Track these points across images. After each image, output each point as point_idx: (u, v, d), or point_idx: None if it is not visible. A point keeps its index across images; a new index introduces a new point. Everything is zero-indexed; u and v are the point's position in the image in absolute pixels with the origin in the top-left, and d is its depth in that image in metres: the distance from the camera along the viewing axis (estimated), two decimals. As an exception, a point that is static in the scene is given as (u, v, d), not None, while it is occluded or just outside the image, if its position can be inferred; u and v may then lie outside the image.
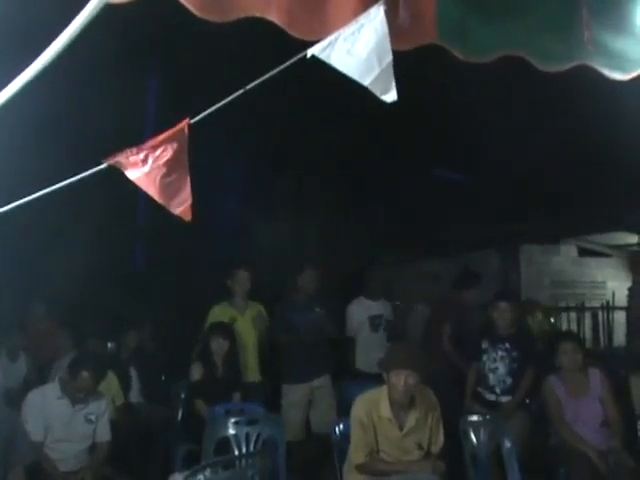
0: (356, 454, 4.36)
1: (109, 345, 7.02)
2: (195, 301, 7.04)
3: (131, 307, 8.29)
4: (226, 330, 6.09)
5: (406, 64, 3.02)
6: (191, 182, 2.77)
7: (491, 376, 5.91)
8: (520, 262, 10.20)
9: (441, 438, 4.45)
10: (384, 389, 4.39)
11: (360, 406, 4.40)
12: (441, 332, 6.70)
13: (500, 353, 5.90)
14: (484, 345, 5.98)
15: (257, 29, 3.15)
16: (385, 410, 4.35)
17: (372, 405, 4.37)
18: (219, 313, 6.52)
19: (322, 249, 10.22)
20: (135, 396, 6.78)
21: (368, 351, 6.97)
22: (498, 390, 5.87)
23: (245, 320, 6.52)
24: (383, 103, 2.85)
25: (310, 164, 9.93)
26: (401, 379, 4.25)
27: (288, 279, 6.75)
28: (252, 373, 6.52)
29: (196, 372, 5.97)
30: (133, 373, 6.84)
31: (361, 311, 7.17)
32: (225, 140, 7.69)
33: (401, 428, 4.37)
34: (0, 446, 4.23)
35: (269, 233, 10.42)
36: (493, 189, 8.52)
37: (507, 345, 5.90)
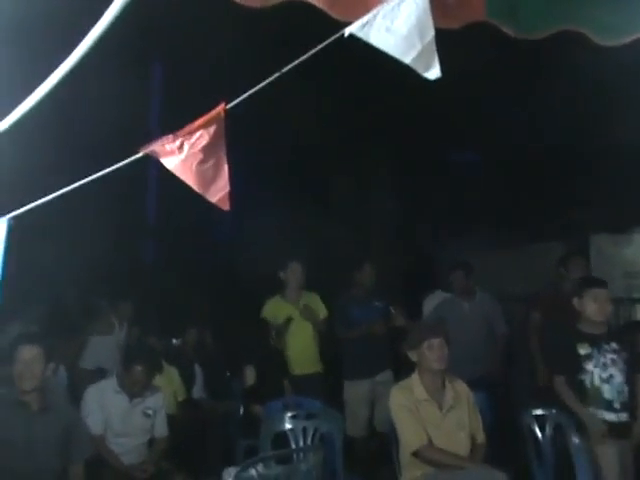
0: (411, 440, 4.30)
1: (174, 341, 7.05)
2: (255, 296, 7.01)
3: (195, 304, 8.34)
4: (280, 329, 6.10)
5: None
6: (229, 170, 2.70)
7: (606, 388, 4.65)
8: (590, 253, 9.85)
9: (480, 424, 4.46)
10: (414, 376, 4.42)
11: (398, 394, 4.40)
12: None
13: (610, 356, 4.69)
14: (584, 350, 4.72)
15: (295, 15, 3.07)
16: (421, 393, 4.36)
17: (407, 392, 4.38)
18: (273, 307, 6.49)
19: (380, 243, 10.10)
20: (198, 392, 6.80)
21: None
22: (617, 405, 4.64)
23: (299, 310, 6.48)
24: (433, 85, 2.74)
25: (364, 154, 9.80)
26: (435, 349, 4.31)
27: (345, 275, 6.68)
28: (312, 364, 6.49)
29: (250, 376, 5.95)
30: (197, 369, 6.86)
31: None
32: (269, 131, 7.64)
33: (440, 408, 4.36)
34: (60, 440, 4.24)
35: (322, 226, 10.32)
36: (554, 173, 8.24)
37: (615, 345, 4.73)
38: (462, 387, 4.52)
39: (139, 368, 4.88)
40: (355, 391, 6.36)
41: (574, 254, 6.63)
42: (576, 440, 4.54)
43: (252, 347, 6.19)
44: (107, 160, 2.60)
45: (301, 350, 6.38)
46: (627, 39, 3.37)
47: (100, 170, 2.57)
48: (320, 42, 2.55)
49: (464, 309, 6.62)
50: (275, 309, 6.45)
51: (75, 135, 6.35)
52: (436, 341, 4.34)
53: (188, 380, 6.65)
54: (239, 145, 2.92)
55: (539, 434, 4.82)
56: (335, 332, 6.53)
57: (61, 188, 2.61)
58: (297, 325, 6.42)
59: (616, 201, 8.60)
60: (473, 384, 5.60)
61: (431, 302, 7.18)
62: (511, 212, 9.44)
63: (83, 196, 2.72)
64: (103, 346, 6.66)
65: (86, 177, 2.58)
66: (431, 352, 4.32)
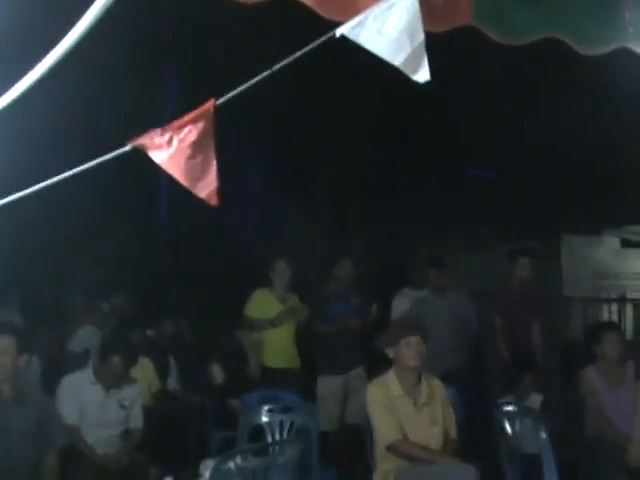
0: (386, 433, 4.36)
1: (148, 332, 7.03)
2: (234, 288, 7.02)
3: (170, 295, 8.31)
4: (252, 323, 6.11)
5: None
6: (218, 165, 2.71)
7: None
8: (561, 253, 10.01)
9: (453, 419, 4.54)
10: (390, 372, 4.48)
11: (374, 390, 4.47)
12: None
13: None
14: None
15: (286, 13, 3.08)
16: (396, 389, 4.42)
17: (384, 388, 4.44)
18: (261, 295, 6.56)
19: (359, 239, 10.13)
20: (172, 383, 6.79)
21: None
22: None
23: (286, 310, 6.56)
24: (420, 88, 2.76)
25: (345, 150, 9.82)
26: (412, 347, 4.35)
27: (323, 270, 6.71)
28: (290, 359, 6.59)
29: (218, 374, 5.95)
30: (171, 361, 6.84)
31: (405, 302, 7.08)
32: (255, 126, 7.62)
33: (415, 404, 4.42)
34: (34, 431, 4.21)
35: (304, 221, 10.35)
36: (530, 178, 8.34)
37: None
38: (437, 383, 4.58)
39: (116, 359, 4.85)
40: (328, 386, 6.39)
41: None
42: (543, 435, 4.64)
43: (220, 343, 6.19)
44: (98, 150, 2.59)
45: (281, 344, 6.47)
46: (607, 48, 3.43)
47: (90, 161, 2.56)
48: (313, 41, 2.56)
49: (437, 307, 6.67)
50: (264, 302, 6.51)
51: (63, 127, 6.30)
52: (413, 339, 4.38)
53: (162, 372, 6.63)
54: (225, 141, 2.92)
55: (509, 430, 4.89)
56: (312, 326, 6.56)
57: (46, 179, 2.59)
58: (283, 322, 6.52)
59: (588, 203, 8.72)
60: (443, 378, 5.81)
61: (401, 300, 7.20)
62: (486, 212, 9.53)
63: (67, 188, 2.70)
64: (94, 334, 6.63)
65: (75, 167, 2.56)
66: (408, 349, 4.36)
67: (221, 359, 6.01)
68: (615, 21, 3.35)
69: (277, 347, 6.47)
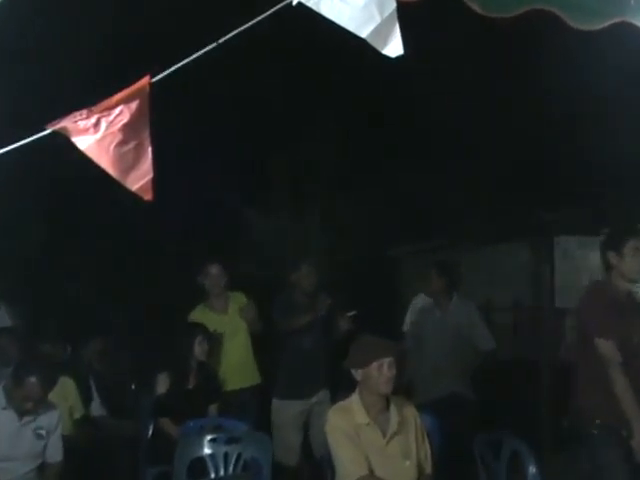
0: (349, 469, 4.31)
1: (68, 349, 6.99)
2: (167, 301, 7.02)
3: (96, 307, 8.28)
4: (207, 331, 6.08)
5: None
6: (154, 153, 2.71)
7: None
8: (555, 257, 10.11)
9: (429, 452, 4.51)
10: (354, 397, 4.43)
11: (335, 417, 4.42)
12: None
13: None
14: None
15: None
16: (362, 417, 4.37)
17: (346, 415, 4.39)
18: (199, 318, 6.48)
19: (324, 238, 10.20)
20: (97, 408, 6.75)
21: None
22: None
23: (231, 317, 6.55)
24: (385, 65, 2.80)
25: (310, 138, 9.90)
26: (384, 370, 4.31)
27: (285, 276, 6.71)
28: (249, 376, 6.61)
29: (163, 384, 5.91)
30: (92, 382, 6.79)
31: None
32: (206, 109, 7.63)
33: (384, 433, 4.39)
34: None
35: (259, 220, 10.40)
36: (520, 170, 8.47)
37: None
38: (409, 410, 4.56)
39: (33, 380, 4.79)
40: (286, 413, 6.38)
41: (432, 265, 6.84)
42: (533, 469, 4.72)
43: (168, 354, 6.15)
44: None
45: (236, 363, 6.46)
46: (605, 23, 3.51)
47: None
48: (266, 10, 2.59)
49: (436, 317, 6.72)
50: (202, 321, 6.38)
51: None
52: (387, 361, 4.34)
53: (86, 395, 6.60)
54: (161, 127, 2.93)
55: (493, 464, 4.96)
56: (276, 329, 6.52)
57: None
58: (229, 336, 6.49)
59: (584, 202, 8.85)
60: (436, 403, 5.98)
61: (414, 307, 7.36)
62: (475, 211, 9.65)
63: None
64: None
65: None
66: (380, 373, 4.32)
67: (169, 370, 5.97)
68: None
69: (232, 367, 6.47)
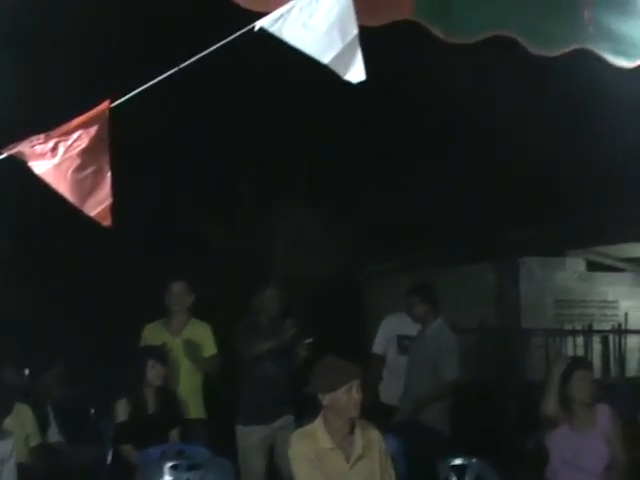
0: None
1: (25, 373, 6.92)
2: (131, 320, 6.96)
3: (54, 327, 8.20)
4: (162, 354, 5.98)
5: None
6: (113, 177, 2.70)
7: None
8: (520, 277, 10.21)
9: (394, 476, 4.48)
10: (318, 421, 4.39)
11: (298, 442, 4.39)
12: None
13: None
14: None
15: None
16: (325, 441, 4.33)
17: (310, 439, 4.37)
18: (151, 334, 6.42)
19: (292, 256, 10.22)
20: (54, 435, 6.67)
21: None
22: None
23: (178, 344, 6.37)
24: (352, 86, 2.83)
25: (276, 154, 9.94)
26: (353, 392, 4.27)
27: (249, 298, 6.68)
28: (194, 409, 6.43)
29: (122, 411, 5.84)
30: (50, 408, 6.72)
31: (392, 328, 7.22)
32: (169, 127, 7.63)
33: (347, 459, 4.36)
34: None
35: (226, 237, 10.39)
36: (488, 192, 8.55)
37: None
38: (374, 434, 4.54)
39: (-13, 407, 4.75)
40: (250, 439, 6.33)
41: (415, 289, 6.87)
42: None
43: (127, 379, 6.07)
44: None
45: (184, 390, 6.32)
46: (563, 49, 3.58)
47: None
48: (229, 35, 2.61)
49: (421, 341, 6.71)
50: (153, 338, 6.34)
51: None
52: (355, 384, 4.30)
53: (43, 421, 6.52)
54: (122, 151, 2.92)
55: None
56: (240, 358, 6.46)
57: None
58: (180, 361, 6.35)
59: (550, 223, 8.95)
60: (401, 425, 6.08)
61: (384, 328, 7.31)
62: (441, 231, 9.70)
63: None
64: None
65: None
66: (349, 397, 4.27)
67: (128, 395, 5.89)
68: (573, 21, 3.51)
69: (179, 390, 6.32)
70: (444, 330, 6.71)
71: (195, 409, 6.46)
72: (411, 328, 6.94)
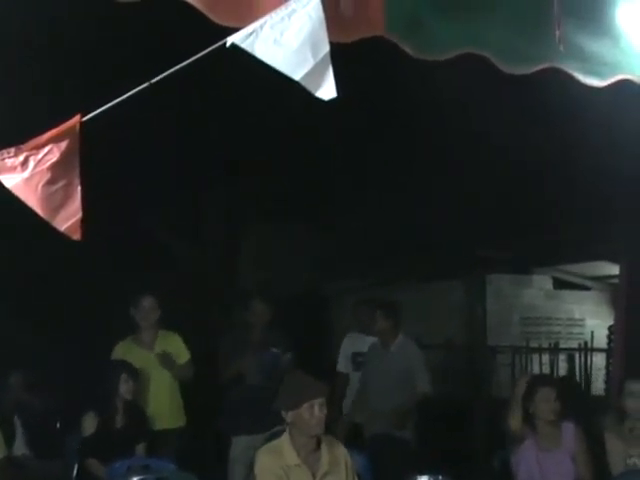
0: None
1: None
2: (101, 333, 6.93)
3: (19, 339, 8.12)
4: (132, 369, 5.98)
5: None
6: (83, 192, 2.71)
7: None
8: (487, 295, 10.26)
9: None
10: (284, 437, 4.42)
11: (264, 458, 4.41)
12: None
13: None
14: None
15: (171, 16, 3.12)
16: (291, 458, 4.35)
17: (276, 455, 4.38)
18: (123, 352, 6.39)
19: (257, 273, 10.21)
20: (21, 447, 6.61)
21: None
22: None
23: (154, 355, 6.39)
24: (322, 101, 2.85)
25: (244, 169, 9.94)
26: (315, 410, 4.30)
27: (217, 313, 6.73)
28: (173, 418, 6.47)
29: (90, 425, 5.81)
30: (17, 420, 6.67)
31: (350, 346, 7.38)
32: (138, 141, 7.61)
33: (314, 475, 4.38)
34: None
35: (191, 252, 10.36)
36: (456, 209, 8.58)
37: None
38: (340, 450, 4.56)
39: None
40: (239, 449, 6.44)
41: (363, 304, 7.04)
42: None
43: (95, 392, 6.05)
44: None
45: (160, 402, 6.34)
46: (533, 68, 3.63)
47: None
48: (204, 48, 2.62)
49: (382, 358, 6.79)
50: (127, 355, 6.30)
51: None
52: (318, 402, 4.33)
53: (8, 434, 6.46)
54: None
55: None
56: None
57: None
58: (154, 374, 6.36)
59: (517, 237, 8.99)
60: (370, 442, 6.19)
61: (350, 344, 7.47)
62: (409, 248, 9.73)
63: None
64: None
65: None
66: (312, 415, 4.30)
67: (96, 409, 5.86)
68: (543, 39, 3.55)
69: (157, 406, 6.33)
70: (409, 344, 6.85)
71: (176, 418, 6.51)
72: (363, 344, 7.12)
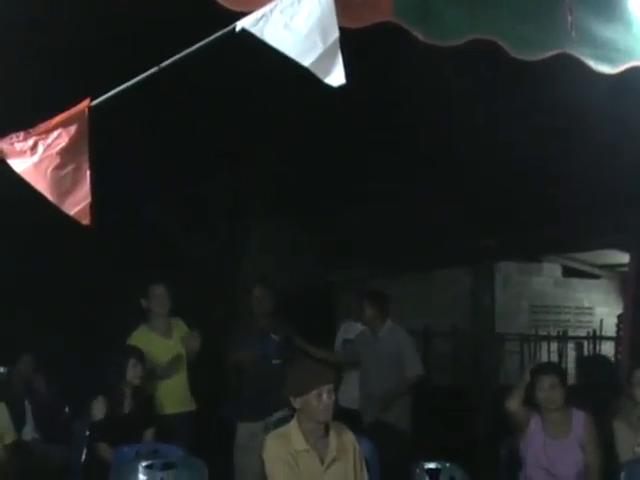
0: None
1: (1, 370, 6.89)
2: (109, 321, 6.94)
3: (28, 325, 8.15)
4: (141, 354, 5.99)
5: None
6: (92, 176, 2.71)
7: None
8: (495, 282, 10.24)
9: (367, 477, 4.52)
10: (292, 423, 4.43)
11: (273, 444, 4.41)
12: None
13: None
14: None
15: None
16: (299, 443, 4.36)
17: (284, 441, 4.39)
18: (140, 338, 6.36)
19: (263, 261, 10.20)
20: (30, 432, 6.66)
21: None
22: None
23: (175, 342, 6.45)
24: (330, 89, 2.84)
25: (249, 157, 9.93)
26: (324, 397, 4.31)
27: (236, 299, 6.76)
28: (184, 402, 6.52)
29: (99, 409, 5.83)
30: (28, 405, 6.70)
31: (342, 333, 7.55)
32: (146, 130, 7.59)
33: (322, 460, 4.38)
34: None
35: (197, 242, 10.37)
36: (466, 197, 8.55)
37: None
38: (348, 437, 4.57)
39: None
40: (244, 435, 6.48)
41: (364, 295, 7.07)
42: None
43: (104, 377, 6.06)
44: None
45: (174, 387, 6.37)
46: (545, 54, 3.60)
47: None
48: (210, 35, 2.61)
49: (368, 344, 6.87)
50: (146, 345, 6.24)
51: None
52: (326, 388, 4.34)
53: (18, 418, 6.49)
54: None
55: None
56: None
57: None
58: (175, 361, 6.40)
59: (526, 227, 8.96)
60: (372, 427, 6.20)
61: (343, 331, 7.65)
62: (414, 235, 9.70)
63: None
64: None
65: None
66: (319, 401, 4.31)
67: (105, 393, 5.89)
68: (554, 25, 3.52)
69: (170, 391, 6.36)
70: (397, 330, 6.91)
71: (187, 402, 6.54)
72: (354, 332, 7.24)
